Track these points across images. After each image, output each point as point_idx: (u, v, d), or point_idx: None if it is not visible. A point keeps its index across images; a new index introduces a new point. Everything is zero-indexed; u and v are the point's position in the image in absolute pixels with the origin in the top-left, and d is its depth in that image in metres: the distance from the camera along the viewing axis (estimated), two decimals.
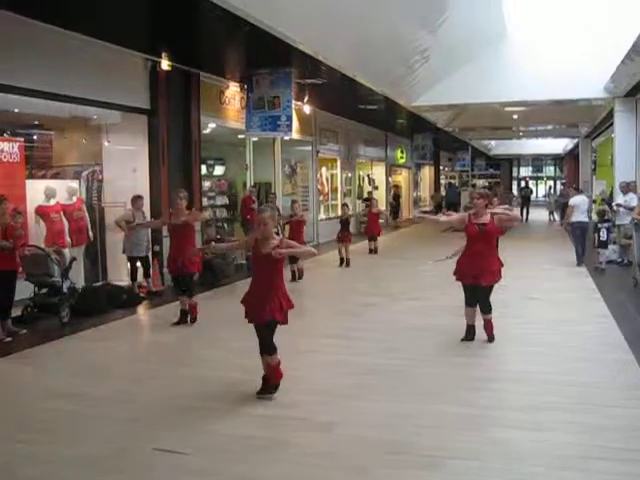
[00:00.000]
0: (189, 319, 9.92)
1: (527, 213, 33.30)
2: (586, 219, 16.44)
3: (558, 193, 38.05)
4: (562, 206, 29.46)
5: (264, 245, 6.40)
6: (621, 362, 7.49)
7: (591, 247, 16.04)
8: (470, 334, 8.54)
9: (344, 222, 17.23)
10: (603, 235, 15.28)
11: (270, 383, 6.47)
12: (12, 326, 9.34)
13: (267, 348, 6.41)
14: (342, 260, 16.50)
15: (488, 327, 8.50)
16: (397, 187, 33.70)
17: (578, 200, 16.38)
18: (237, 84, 16.20)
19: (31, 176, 12.14)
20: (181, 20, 10.75)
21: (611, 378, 6.97)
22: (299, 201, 17.10)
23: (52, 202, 11.63)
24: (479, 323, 8.55)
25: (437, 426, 5.67)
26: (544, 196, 38.49)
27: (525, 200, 34.76)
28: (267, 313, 6.29)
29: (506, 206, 10.62)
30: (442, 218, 9.84)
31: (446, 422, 5.75)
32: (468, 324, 8.57)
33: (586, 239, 16.12)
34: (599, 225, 15.52)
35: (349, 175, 27.31)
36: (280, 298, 6.39)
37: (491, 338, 8.47)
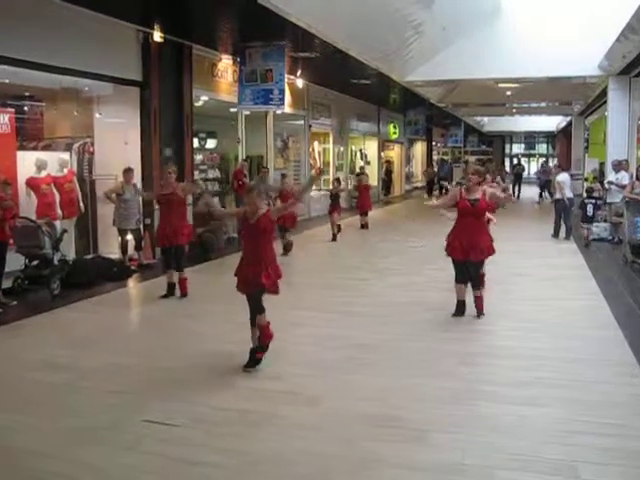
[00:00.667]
0: (179, 294, 9.92)
1: (519, 191, 33.27)
2: (571, 195, 16.90)
3: (540, 170, 38.19)
4: (544, 183, 29.56)
5: (252, 215, 6.48)
6: (610, 339, 7.54)
7: (577, 222, 16.47)
8: (460, 309, 8.58)
9: (334, 196, 17.28)
10: (590, 210, 15.76)
11: (260, 343, 6.55)
12: (2, 297, 9.35)
13: (256, 307, 6.51)
14: (334, 236, 16.52)
15: (478, 303, 8.54)
16: (389, 162, 33.63)
17: (563, 177, 16.91)
18: (230, 57, 16.09)
19: (22, 147, 12.05)
20: None
21: (599, 355, 7.02)
22: (288, 175, 17.06)
23: (43, 174, 11.56)
24: (469, 299, 8.59)
25: (424, 400, 5.71)
26: (535, 173, 38.49)
27: (517, 177, 34.72)
28: (257, 280, 6.39)
29: (496, 185, 10.62)
30: (435, 203, 9.86)
31: (433, 396, 5.80)
32: (458, 299, 8.60)
33: (571, 214, 16.64)
34: (586, 201, 16.02)
35: (341, 149, 27.24)
36: (269, 267, 6.49)
37: (480, 313, 8.51)
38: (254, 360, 6.54)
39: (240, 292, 6.58)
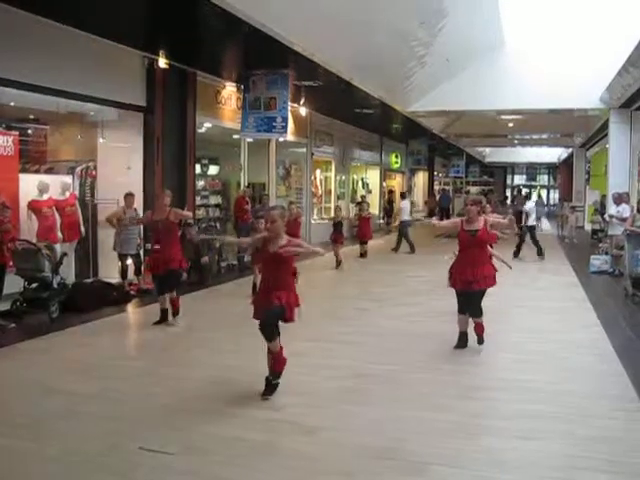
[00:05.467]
0: (171, 313, 9.89)
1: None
2: (409, 218, 21.61)
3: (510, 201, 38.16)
4: (515, 213, 29.24)
5: (273, 244, 6.42)
6: (610, 373, 7.49)
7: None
8: (462, 341, 8.49)
9: (337, 224, 17.29)
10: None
11: (272, 372, 6.47)
12: (0, 320, 9.31)
13: (269, 334, 6.37)
14: (339, 263, 16.45)
15: (478, 329, 8.48)
16: (391, 192, 33.71)
17: (405, 204, 21.56)
18: (234, 84, 16.21)
19: (25, 170, 12.08)
20: (179, 18, 10.75)
21: (600, 388, 6.98)
22: (295, 203, 17.09)
23: (45, 197, 11.59)
24: (471, 330, 8.54)
25: (423, 432, 5.66)
26: (535, 205, 38.51)
27: (519, 214, 32.49)
28: (274, 301, 6.31)
29: (495, 215, 10.60)
30: (434, 223, 9.79)
31: (433, 429, 5.74)
32: (460, 331, 8.52)
33: (409, 233, 20.86)
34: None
35: (343, 178, 27.32)
36: (289, 293, 6.43)
37: (481, 339, 8.46)
38: (271, 388, 6.49)
39: (257, 319, 6.47)
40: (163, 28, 11.55)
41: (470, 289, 8.29)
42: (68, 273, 11.60)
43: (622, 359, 7.98)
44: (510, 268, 9.95)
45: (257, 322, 6.44)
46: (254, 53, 13.55)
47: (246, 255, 14.34)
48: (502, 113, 23.24)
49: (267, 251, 6.48)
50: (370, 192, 30.83)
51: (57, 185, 12.09)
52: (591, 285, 14.33)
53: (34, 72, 10.13)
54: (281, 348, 6.51)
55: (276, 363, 6.49)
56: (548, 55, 19.24)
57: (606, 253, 16.49)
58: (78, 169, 13.30)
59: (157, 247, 9.83)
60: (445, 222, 9.62)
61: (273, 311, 6.33)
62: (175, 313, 9.92)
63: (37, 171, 12.83)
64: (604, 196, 21.78)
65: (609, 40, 16.94)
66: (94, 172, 13.37)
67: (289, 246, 6.44)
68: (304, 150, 22.58)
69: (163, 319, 9.86)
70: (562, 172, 48.81)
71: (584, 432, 5.66)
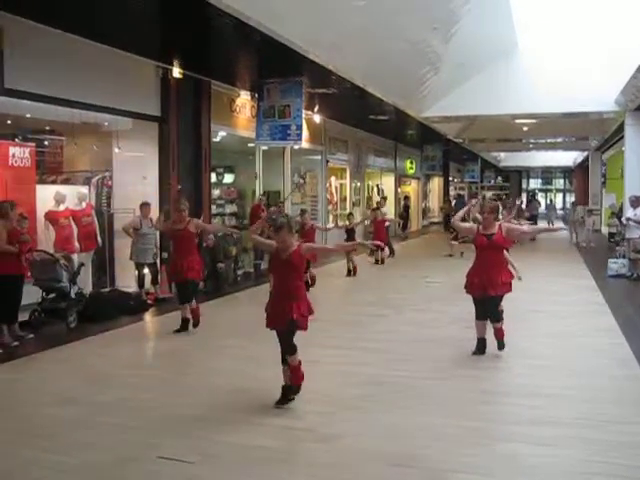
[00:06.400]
0: (192, 324, 9.91)
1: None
2: (388, 224, 21.93)
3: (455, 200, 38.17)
4: (530, 218, 28.75)
5: (283, 251, 6.44)
6: (629, 378, 7.44)
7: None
8: (481, 347, 8.45)
9: (349, 231, 17.30)
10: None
11: (291, 386, 6.46)
12: (19, 330, 9.37)
13: (287, 347, 6.39)
14: (349, 271, 16.49)
15: (499, 334, 8.43)
16: (407, 198, 33.66)
17: (384, 211, 21.49)
18: (248, 93, 16.24)
19: (41, 181, 12.16)
20: (193, 29, 10.81)
21: (619, 394, 6.93)
22: (308, 211, 17.11)
23: (62, 207, 11.66)
24: (490, 337, 8.49)
25: (442, 439, 5.63)
26: (545, 209, 38.48)
27: (532, 218, 31.37)
28: (286, 314, 6.31)
29: (514, 222, 10.55)
30: (456, 220, 9.58)
31: (452, 436, 5.71)
32: (479, 337, 8.49)
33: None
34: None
35: (358, 185, 27.30)
36: (300, 302, 6.42)
37: (501, 345, 8.41)
38: (286, 398, 6.46)
39: (270, 328, 6.49)
40: (177, 38, 11.59)
41: (486, 294, 8.25)
42: (85, 283, 11.66)
43: None
44: (520, 279, 9.71)
45: (273, 331, 6.46)
46: (268, 62, 13.58)
47: (263, 262, 14.36)
48: (517, 117, 23.11)
49: (278, 258, 6.51)
50: (385, 198, 30.76)
51: (74, 195, 12.17)
52: (609, 289, 14.24)
53: (49, 84, 10.20)
54: (299, 362, 6.50)
55: (294, 377, 6.48)
56: (562, 58, 19.11)
57: (623, 256, 16.38)
58: (94, 179, 13.37)
59: (165, 255, 9.81)
60: (464, 224, 9.51)
61: (287, 327, 6.36)
62: (195, 324, 9.93)
63: (54, 182, 12.92)
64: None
65: (623, 42, 16.82)
66: (110, 182, 13.44)
67: (301, 250, 6.48)
68: (319, 157, 22.58)
69: (184, 328, 9.88)
70: (578, 176, 48.59)
71: (602, 438, 5.62)
